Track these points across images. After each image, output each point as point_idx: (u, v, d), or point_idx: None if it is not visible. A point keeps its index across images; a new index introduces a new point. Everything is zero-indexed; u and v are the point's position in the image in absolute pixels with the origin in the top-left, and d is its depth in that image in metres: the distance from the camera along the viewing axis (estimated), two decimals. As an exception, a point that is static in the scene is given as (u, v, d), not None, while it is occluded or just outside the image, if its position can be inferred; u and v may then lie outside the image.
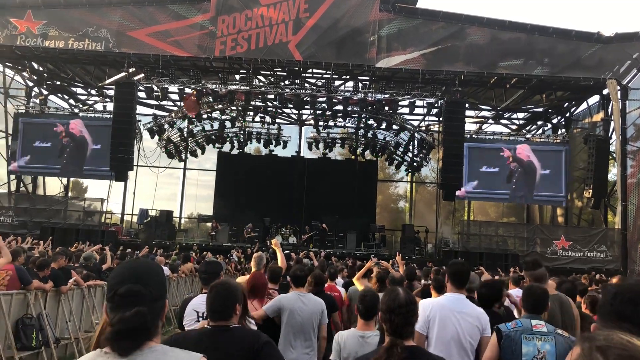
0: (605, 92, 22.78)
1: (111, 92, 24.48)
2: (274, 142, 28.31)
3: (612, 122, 22.52)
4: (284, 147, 28.69)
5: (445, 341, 3.86)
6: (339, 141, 29.01)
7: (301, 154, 29.99)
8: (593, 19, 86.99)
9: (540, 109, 27.51)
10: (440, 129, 24.48)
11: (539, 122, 28.75)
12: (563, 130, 26.95)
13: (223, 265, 7.73)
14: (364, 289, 4.77)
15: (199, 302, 4.09)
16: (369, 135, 27.59)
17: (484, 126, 28.42)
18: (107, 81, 25.04)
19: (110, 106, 24.64)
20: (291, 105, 26.55)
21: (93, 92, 28.18)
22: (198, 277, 7.67)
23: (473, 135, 25.20)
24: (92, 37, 22.03)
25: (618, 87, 21.76)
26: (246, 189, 28.01)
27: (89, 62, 24.63)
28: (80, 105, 28.52)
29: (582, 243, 22.27)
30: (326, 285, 6.83)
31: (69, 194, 28.93)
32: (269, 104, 25.88)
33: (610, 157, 23.10)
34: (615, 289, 1.82)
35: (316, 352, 5.07)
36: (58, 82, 27.47)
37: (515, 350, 3.44)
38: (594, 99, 24.53)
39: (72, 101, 29.17)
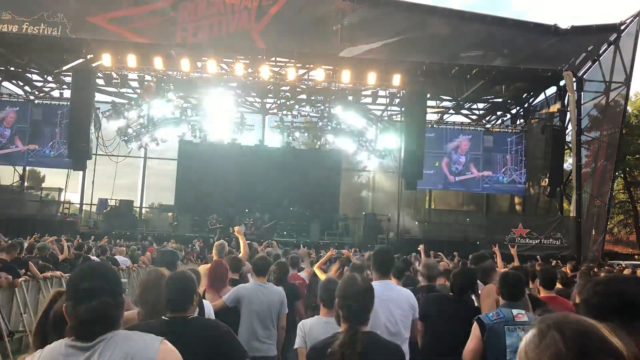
0: (562, 83, 23.34)
1: (69, 79, 23.78)
2: (237, 130, 27.97)
3: (568, 113, 23.10)
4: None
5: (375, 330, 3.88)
6: (303, 130, 28.92)
7: (265, 143, 29.79)
8: (549, 13, 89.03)
9: (500, 100, 28.01)
10: (402, 119, 24.65)
11: (499, 113, 29.30)
12: (522, 120, 27.54)
13: (179, 254, 7.65)
14: (327, 278, 4.78)
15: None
16: (333, 124, 27.59)
17: (445, 116, 28.79)
18: (65, 67, 24.25)
19: (67, 93, 23.93)
20: (254, 94, 26.30)
21: (50, 78, 27.30)
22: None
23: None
24: (47, 22, 21.26)
25: (574, 79, 22.31)
26: (209, 178, 27.57)
27: (45, 48, 23.81)
28: (36, 92, 27.61)
29: (539, 230, 22.82)
30: (290, 274, 6.86)
31: (25, 184, 28.07)
32: (232, 91, 25.57)
33: (566, 147, 23.75)
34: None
35: (275, 342, 5.08)
36: (12, 68, 26.49)
37: (500, 342, 3.41)
38: (552, 89, 25.09)
39: (27, 88, 28.20)
